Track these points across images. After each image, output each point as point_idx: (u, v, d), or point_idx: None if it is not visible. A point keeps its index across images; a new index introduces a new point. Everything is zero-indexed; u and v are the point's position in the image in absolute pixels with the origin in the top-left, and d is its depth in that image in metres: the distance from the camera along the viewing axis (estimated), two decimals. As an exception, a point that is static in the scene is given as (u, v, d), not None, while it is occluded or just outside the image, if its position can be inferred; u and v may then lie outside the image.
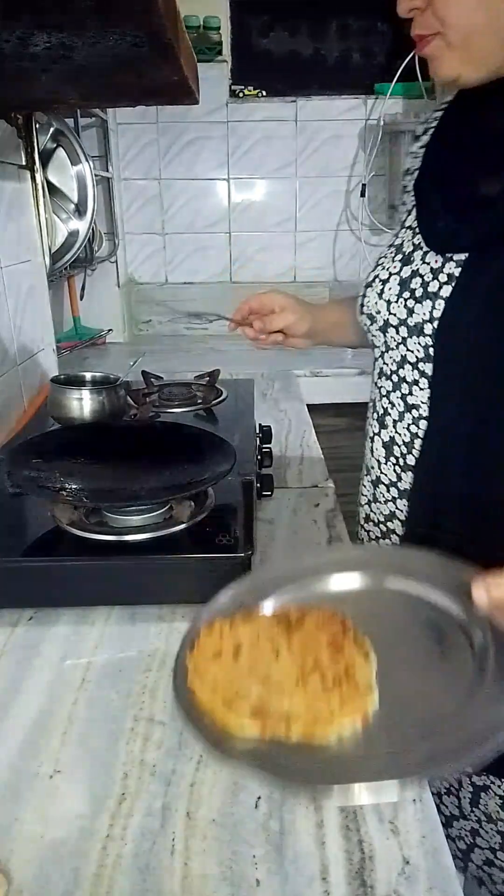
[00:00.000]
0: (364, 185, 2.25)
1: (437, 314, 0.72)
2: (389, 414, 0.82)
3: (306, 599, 0.55)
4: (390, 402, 0.81)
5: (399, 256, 0.79)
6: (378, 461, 0.84)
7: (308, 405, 1.57)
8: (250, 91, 2.24)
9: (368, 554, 0.74)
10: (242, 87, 2.24)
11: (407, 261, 0.77)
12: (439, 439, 0.74)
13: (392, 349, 0.80)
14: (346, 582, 0.58)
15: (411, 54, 2.04)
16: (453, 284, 0.71)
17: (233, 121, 2.24)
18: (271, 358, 1.91)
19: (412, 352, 0.76)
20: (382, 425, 0.83)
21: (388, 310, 0.78)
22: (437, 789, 0.92)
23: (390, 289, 0.78)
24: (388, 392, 0.82)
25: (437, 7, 0.64)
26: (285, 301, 0.96)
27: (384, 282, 0.79)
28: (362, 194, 2.27)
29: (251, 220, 2.37)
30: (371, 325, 0.81)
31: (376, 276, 0.81)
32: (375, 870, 0.46)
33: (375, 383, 0.87)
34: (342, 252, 2.41)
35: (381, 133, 2.16)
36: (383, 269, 0.80)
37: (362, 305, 0.82)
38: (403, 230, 0.81)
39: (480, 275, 0.69)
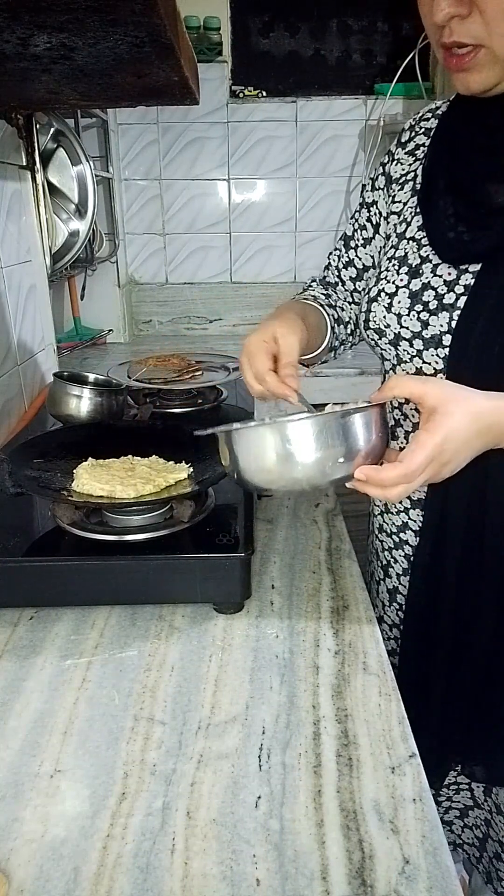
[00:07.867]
0: (364, 185, 2.25)
1: (454, 325, 0.72)
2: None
3: None
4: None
5: (405, 269, 0.77)
6: None
7: (308, 405, 1.57)
8: (250, 91, 2.23)
9: None
10: (242, 87, 2.24)
11: (415, 273, 0.76)
12: None
13: (405, 362, 0.79)
14: None
15: (412, 54, 2.04)
16: (468, 295, 0.71)
17: (233, 121, 2.24)
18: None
19: (429, 364, 0.76)
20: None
21: (399, 323, 0.76)
22: (449, 784, 0.92)
23: (399, 302, 0.76)
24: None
25: (488, 17, 0.61)
26: (275, 328, 0.75)
27: (391, 296, 0.77)
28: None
29: (251, 220, 2.37)
30: (380, 339, 0.80)
31: (381, 290, 0.79)
32: (375, 869, 0.46)
33: None
34: (342, 252, 2.41)
35: (381, 133, 2.15)
36: (388, 282, 0.78)
37: (368, 321, 0.81)
38: (405, 242, 0.79)
39: (495, 283, 0.69)
